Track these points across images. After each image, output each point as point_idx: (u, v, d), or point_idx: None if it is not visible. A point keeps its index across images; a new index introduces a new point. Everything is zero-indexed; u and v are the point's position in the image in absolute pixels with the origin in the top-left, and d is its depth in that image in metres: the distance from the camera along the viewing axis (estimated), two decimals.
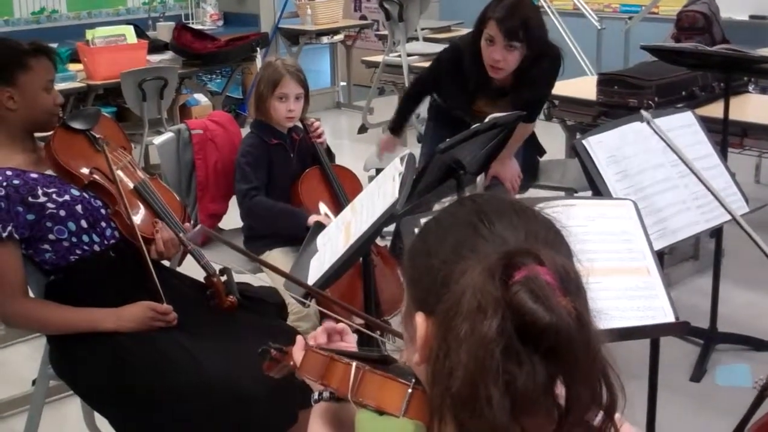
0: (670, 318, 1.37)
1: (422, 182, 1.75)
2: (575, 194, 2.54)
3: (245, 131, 2.40)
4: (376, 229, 1.49)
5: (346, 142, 5.00)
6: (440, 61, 2.52)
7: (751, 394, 1.52)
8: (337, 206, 2.23)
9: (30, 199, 1.60)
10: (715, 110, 2.56)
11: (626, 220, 1.46)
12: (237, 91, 5.31)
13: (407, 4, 4.36)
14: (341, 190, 2.29)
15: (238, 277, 1.84)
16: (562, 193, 2.67)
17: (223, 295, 1.74)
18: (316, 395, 0.91)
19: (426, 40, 4.79)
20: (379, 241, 2.29)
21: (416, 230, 1.25)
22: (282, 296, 1.89)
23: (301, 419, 1.55)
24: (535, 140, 2.73)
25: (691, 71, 2.80)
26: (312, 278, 1.50)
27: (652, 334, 1.63)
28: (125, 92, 3.71)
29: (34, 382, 1.99)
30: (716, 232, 2.44)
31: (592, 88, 2.95)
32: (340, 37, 5.53)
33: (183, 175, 2.34)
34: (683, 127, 1.92)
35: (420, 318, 0.70)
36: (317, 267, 1.54)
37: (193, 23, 5.27)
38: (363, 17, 6.20)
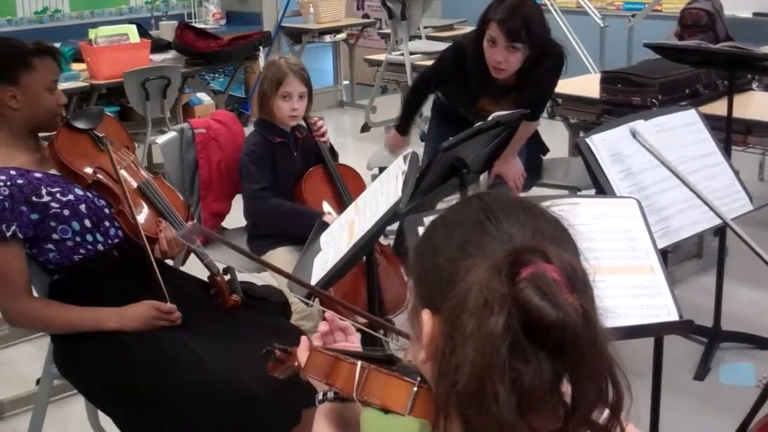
0: (674, 316, 1.37)
1: (425, 181, 1.75)
2: (578, 192, 2.54)
3: (248, 130, 2.40)
4: (379, 228, 1.49)
5: (349, 140, 5.00)
6: (443, 60, 2.52)
7: (754, 393, 1.52)
8: (341, 205, 2.23)
9: (34, 198, 1.60)
10: (718, 108, 2.56)
11: (630, 219, 1.46)
12: (240, 90, 5.31)
13: (410, 3, 4.35)
14: (344, 189, 2.29)
15: (241, 276, 1.84)
16: (566, 192, 2.67)
17: (226, 294, 1.74)
18: (320, 395, 0.91)
19: (429, 38, 4.78)
20: (382, 240, 2.29)
21: (420, 229, 1.25)
22: (285, 295, 1.89)
23: (305, 419, 1.55)
24: (538, 138, 2.73)
25: (694, 69, 2.79)
26: (315, 277, 1.50)
27: (656, 332, 1.63)
28: (128, 91, 3.71)
29: (38, 381, 1.99)
30: (720, 231, 2.43)
31: (595, 86, 2.95)
32: (342, 35, 5.52)
33: (186, 174, 2.34)
34: (687, 125, 1.91)
35: (426, 315, 0.70)
36: (321, 266, 1.54)
37: (195, 22, 5.27)
38: (366, 16, 6.19)
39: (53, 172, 1.69)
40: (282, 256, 2.20)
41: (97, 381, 1.64)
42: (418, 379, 0.77)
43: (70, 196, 1.65)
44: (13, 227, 1.58)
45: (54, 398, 2.10)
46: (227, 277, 1.76)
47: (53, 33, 4.60)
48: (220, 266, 1.80)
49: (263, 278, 2.09)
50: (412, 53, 4.22)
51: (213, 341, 1.64)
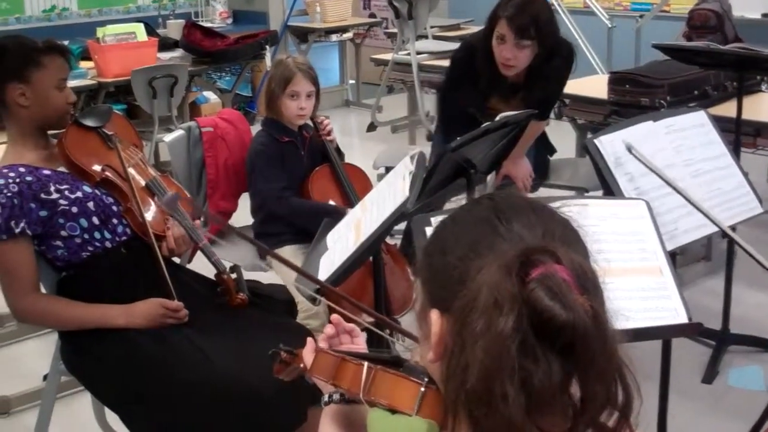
0: (682, 319, 1.36)
1: (432, 181, 1.75)
2: (586, 193, 2.53)
3: (254, 129, 2.40)
4: (386, 228, 1.49)
5: (355, 140, 5.00)
6: (454, 62, 2.53)
7: (763, 397, 1.51)
8: (347, 204, 2.23)
9: (42, 195, 1.61)
10: (727, 110, 2.54)
11: (639, 220, 1.45)
12: (246, 88, 5.32)
13: (416, 2, 4.35)
14: (351, 188, 2.29)
15: (247, 275, 1.84)
16: (573, 193, 2.66)
17: (233, 293, 1.74)
18: (326, 397, 0.91)
19: (435, 38, 4.77)
20: (388, 240, 2.28)
21: (427, 229, 1.25)
22: (291, 294, 1.89)
23: (311, 418, 1.55)
24: (545, 139, 2.72)
25: (703, 70, 2.78)
26: (322, 276, 1.50)
27: (665, 335, 1.62)
28: (135, 90, 3.72)
29: (45, 378, 2.00)
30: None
31: (602, 87, 2.93)
32: (349, 35, 5.52)
33: (193, 172, 2.34)
34: (696, 126, 1.90)
35: (435, 315, 0.70)
36: (327, 265, 1.53)
37: (202, 21, 5.28)
38: (372, 15, 6.19)
39: (62, 169, 1.70)
40: (287, 255, 2.20)
41: (104, 378, 1.65)
42: (426, 379, 0.77)
43: (79, 194, 1.65)
44: (22, 224, 1.58)
45: (61, 394, 2.11)
46: (234, 276, 1.77)
47: (61, 31, 4.62)
48: (227, 264, 1.80)
49: (269, 277, 2.10)
50: (418, 53, 4.22)
51: (219, 339, 1.64)
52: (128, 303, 1.65)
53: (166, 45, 4.34)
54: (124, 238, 1.70)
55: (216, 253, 1.82)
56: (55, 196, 1.62)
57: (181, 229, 1.76)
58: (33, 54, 1.65)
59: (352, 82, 5.87)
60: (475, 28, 3.97)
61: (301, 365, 0.96)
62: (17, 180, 1.59)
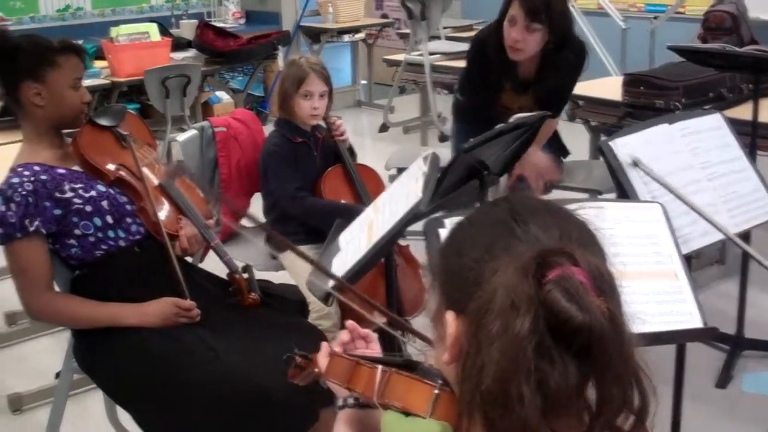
0: (697, 323, 1.35)
1: (445, 182, 1.74)
2: (600, 196, 2.51)
3: (266, 129, 2.40)
4: (399, 229, 1.48)
5: (367, 140, 5.00)
6: (468, 61, 2.54)
7: None
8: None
9: (57, 194, 1.62)
10: (743, 112, 2.52)
11: (654, 223, 1.44)
12: (259, 89, 5.34)
13: (429, 3, 4.34)
14: (363, 189, 2.28)
15: (259, 275, 1.85)
16: (587, 195, 2.64)
17: (245, 292, 1.74)
18: (340, 402, 0.91)
19: (448, 38, 4.76)
20: (400, 242, 2.28)
21: (441, 231, 1.24)
22: (303, 294, 1.89)
23: (323, 418, 1.55)
24: (559, 141, 2.71)
25: (718, 72, 2.75)
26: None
27: (680, 339, 1.60)
28: (149, 89, 3.75)
29: (57, 375, 2.01)
30: (743, 237, 2.39)
31: (616, 89, 2.92)
32: (361, 35, 5.53)
33: (206, 172, 2.35)
34: (712, 129, 1.88)
35: (450, 317, 0.70)
36: (340, 266, 1.53)
37: (215, 21, 5.31)
38: (384, 15, 6.19)
39: (76, 168, 1.71)
40: (298, 257, 2.19)
41: (116, 376, 1.65)
42: (440, 381, 0.76)
43: (93, 193, 1.66)
44: (36, 222, 1.59)
45: (73, 392, 2.12)
46: (246, 275, 1.77)
47: (75, 31, 4.67)
48: (239, 264, 1.81)
49: (281, 277, 2.10)
50: (431, 53, 4.21)
51: (231, 339, 1.64)
52: (141, 302, 1.66)
53: (179, 45, 4.37)
54: (137, 237, 1.71)
55: (228, 252, 1.83)
56: (69, 194, 1.63)
57: (194, 229, 1.77)
58: (48, 53, 1.66)
59: (364, 82, 5.87)
60: None
61: (316, 370, 0.96)
62: (32, 179, 1.61)
